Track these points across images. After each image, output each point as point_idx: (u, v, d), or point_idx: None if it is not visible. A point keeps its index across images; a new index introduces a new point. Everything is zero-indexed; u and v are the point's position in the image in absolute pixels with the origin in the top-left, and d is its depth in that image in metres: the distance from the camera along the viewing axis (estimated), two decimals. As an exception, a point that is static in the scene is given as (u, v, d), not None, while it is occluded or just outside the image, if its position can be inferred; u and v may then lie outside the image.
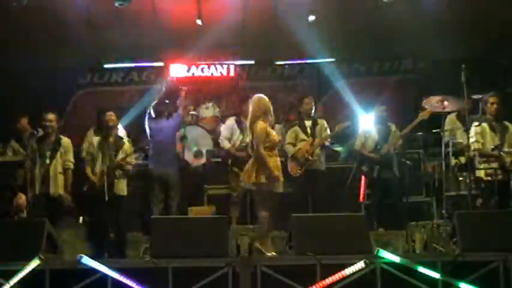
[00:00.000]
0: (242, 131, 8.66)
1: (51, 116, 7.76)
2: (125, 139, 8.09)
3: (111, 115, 7.92)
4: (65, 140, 7.80)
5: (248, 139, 7.41)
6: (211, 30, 10.02)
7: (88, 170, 7.72)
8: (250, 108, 7.03)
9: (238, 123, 8.78)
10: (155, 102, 8.44)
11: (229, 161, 8.66)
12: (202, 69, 10.85)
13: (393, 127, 8.69)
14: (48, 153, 7.63)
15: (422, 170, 8.44)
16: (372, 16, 9.69)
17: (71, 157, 7.77)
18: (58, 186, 7.59)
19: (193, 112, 9.77)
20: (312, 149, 8.51)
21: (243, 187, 7.56)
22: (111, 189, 7.53)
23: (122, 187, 7.75)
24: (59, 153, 7.67)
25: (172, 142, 8.52)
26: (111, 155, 7.70)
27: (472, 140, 7.54)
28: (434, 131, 7.92)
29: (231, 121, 8.89)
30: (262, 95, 7.13)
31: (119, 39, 10.31)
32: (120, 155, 7.74)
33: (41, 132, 7.97)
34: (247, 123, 7.14)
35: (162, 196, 8.23)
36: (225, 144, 8.73)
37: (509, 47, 10.09)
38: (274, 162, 6.94)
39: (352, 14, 9.79)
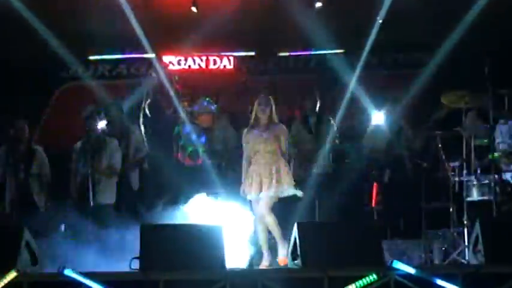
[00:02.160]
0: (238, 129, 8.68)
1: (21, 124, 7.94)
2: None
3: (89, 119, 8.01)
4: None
5: None
6: (207, 18, 9.93)
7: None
8: None
9: (234, 121, 8.80)
10: (148, 101, 8.44)
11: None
12: (197, 61, 10.85)
13: (406, 126, 8.67)
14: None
15: (440, 172, 8.31)
16: (384, 4, 9.57)
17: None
18: None
19: (188, 108, 9.70)
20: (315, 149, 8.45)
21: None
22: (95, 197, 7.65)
23: (109, 195, 7.86)
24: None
25: (168, 140, 8.62)
26: (93, 158, 7.74)
27: (497, 140, 7.51)
28: (453, 129, 7.83)
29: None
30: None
31: (106, 27, 10.22)
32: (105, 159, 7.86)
33: None
34: None
35: (153, 196, 8.29)
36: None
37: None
38: (251, 170, 7.27)
39: (363, 1, 9.67)
